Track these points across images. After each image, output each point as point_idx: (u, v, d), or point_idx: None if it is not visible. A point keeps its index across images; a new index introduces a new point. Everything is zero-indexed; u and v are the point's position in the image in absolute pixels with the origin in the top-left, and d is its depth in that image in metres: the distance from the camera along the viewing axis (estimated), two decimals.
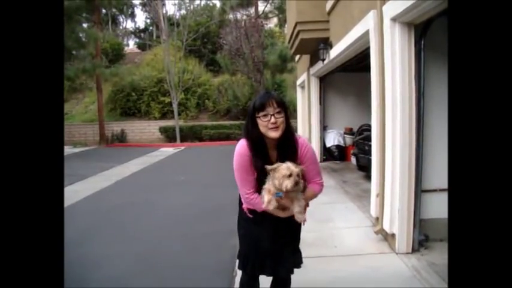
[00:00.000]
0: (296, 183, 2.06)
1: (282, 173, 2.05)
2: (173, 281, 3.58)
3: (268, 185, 2.14)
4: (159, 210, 6.30)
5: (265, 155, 2.20)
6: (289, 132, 2.19)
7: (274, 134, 2.12)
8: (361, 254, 3.94)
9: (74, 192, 7.67)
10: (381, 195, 4.16)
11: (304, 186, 2.20)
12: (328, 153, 10.77)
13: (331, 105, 11.14)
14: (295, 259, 2.45)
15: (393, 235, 3.92)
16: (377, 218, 4.37)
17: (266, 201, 2.13)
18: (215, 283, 3.47)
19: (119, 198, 7.25)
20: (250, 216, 2.30)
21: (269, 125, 2.11)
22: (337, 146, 10.66)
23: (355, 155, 8.07)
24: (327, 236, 4.48)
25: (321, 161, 10.54)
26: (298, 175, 2.07)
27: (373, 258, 3.83)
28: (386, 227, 4.00)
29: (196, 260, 4.05)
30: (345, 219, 5.12)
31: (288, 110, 2.22)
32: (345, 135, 10.85)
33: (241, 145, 2.20)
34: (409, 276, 3.38)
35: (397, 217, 3.83)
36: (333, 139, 10.72)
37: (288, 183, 2.04)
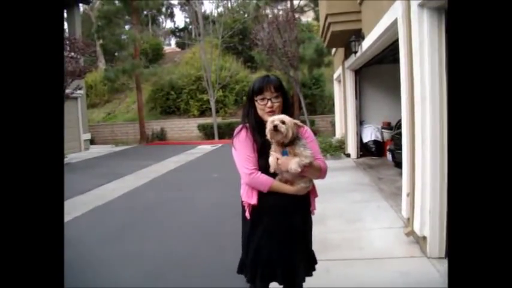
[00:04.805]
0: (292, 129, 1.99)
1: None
2: (204, 280, 3.56)
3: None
4: (191, 208, 6.35)
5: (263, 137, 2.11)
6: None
7: None
8: (390, 258, 3.71)
9: (110, 191, 7.89)
10: (412, 194, 3.90)
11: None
12: (365, 149, 10.42)
13: (368, 99, 10.77)
14: (309, 264, 2.29)
15: (424, 238, 3.65)
16: (408, 219, 4.10)
17: (272, 162, 2.02)
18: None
19: (153, 196, 7.37)
20: (248, 217, 2.14)
21: (265, 109, 2.12)
22: (375, 141, 10.29)
23: (391, 150, 7.73)
24: (354, 237, 4.26)
25: (356, 157, 10.22)
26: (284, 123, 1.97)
27: (402, 262, 3.59)
28: (417, 229, 3.74)
29: (226, 259, 3.90)
30: (376, 219, 4.86)
31: (287, 95, 2.21)
32: (383, 130, 10.45)
33: (240, 128, 2.19)
34: (440, 283, 3.13)
35: (428, 219, 3.57)
36: (370, 134, 10.36)
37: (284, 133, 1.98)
